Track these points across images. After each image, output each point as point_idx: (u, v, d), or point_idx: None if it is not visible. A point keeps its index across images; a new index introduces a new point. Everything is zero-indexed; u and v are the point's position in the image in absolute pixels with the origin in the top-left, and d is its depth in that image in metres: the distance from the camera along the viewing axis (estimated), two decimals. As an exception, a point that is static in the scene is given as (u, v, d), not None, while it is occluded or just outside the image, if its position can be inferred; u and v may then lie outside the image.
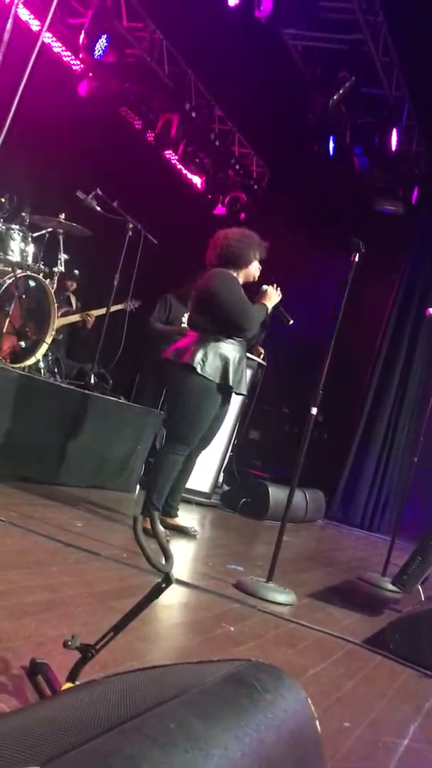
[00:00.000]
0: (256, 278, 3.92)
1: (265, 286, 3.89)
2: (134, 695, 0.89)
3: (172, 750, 0.72)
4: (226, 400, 3.93)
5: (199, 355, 3.74)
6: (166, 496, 3.92)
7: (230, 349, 3.81)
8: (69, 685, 1.44)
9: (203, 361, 3.73)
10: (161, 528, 3.72)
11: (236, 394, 3.95)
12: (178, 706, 0.82)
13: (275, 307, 3.91)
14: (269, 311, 3.89)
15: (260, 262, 3.92)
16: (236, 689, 0.92)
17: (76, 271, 5.33)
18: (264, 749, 0.86)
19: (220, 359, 3.78)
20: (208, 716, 0.82)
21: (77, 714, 0.81)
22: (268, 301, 3.87)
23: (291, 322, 3.93)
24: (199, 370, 3.72)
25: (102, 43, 6.15)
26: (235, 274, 3.84)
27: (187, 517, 4.18)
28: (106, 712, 0.82)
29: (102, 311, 6.14)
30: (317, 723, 1.02)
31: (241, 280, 3.86)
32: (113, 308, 5.85)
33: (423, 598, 3.63)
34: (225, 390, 3.83)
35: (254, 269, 3.90)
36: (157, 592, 1.35)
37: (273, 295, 3.89)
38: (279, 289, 3.93)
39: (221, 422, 4.04)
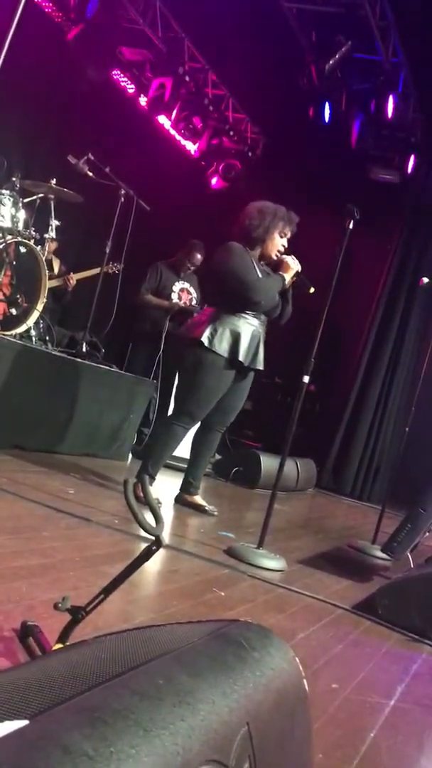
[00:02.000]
0: (280, 253, 3.85)
1: (283, 257, 3.85)
2: (123, 653, 0.89)
3: (160, 704, 0.72)
4: (241, 376, 3.92)
5: (209, 330, 3.75)
6: (162, 465, 3.94)
7: (243, 323, 3.80)
8: (59, 646, 1.45)
9: (212, 336, 3.74)
10: (153, 493, 3.74)
11: (252, 369, 3.92)
12: (166, 663, 0.83)
13: (296, 276, 3.86)
14: (287, 282, 3.84)
15: (287, 236, 3.85)
16: (224, 647, 0.93)
17: (54, 232, 5.24)
18: (251, 705, 0.86)
19: (231, 334, 3.76)
20: (196, 673, 0.82)
21: (66, 671, 0.82)
22: (287, 272, 3.83)
23: (312, 290, 3.88)
24: (207, 344, 3.73)
25: (93, 3, 6.03)
26: (249, 249, 3.80)
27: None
28: (95, 668, 0.82)
29: (84, 274, 6.11)
30: (304, 681, 1.03)
31: (257, 255, 3.83)
32: (93, 272, 5.82)
33: (412, 565, 3.68)
34: (237, 365, 3.81)
35: (273, 246, 3.83)
36: (147, 554, 1.36)
37: (292, 265, 3.84)
38: (295, 258, 3.87)
39: (241, 397, 4.04)
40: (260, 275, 3.79)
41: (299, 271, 3.87)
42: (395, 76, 6.96)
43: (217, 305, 3.85)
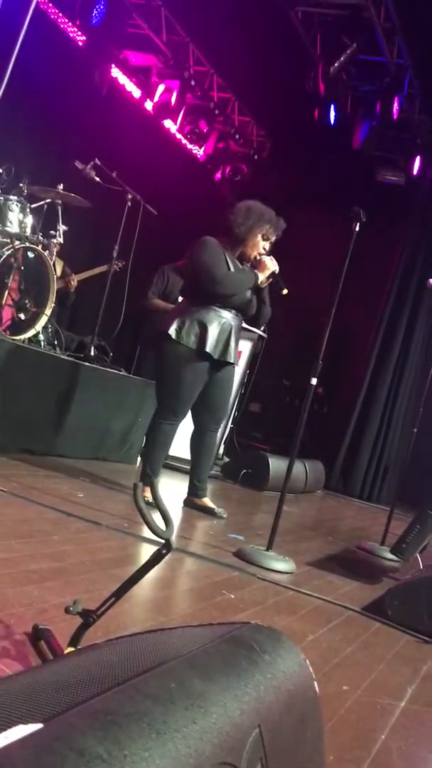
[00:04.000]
0: (259, 256, 3.85)
1: (262, 256, 3.86)
2: (135, 656, 0.90)
3: (172, 707, 0.73)
4: (217, 369, 3.89)
5: (176, 323, 3.76)
6: (161, 465, 3.95)
7: (212, 316, 3.78)
8: (71, 649, 1.46)
9: (180, 328, 3.74)
10: (161, 496, 3.75)
11: (223, 362, 3.87)
12: (178, 666, 0.84)
13: (271, 276, 3.87)
14: (261, 280, 3.84)
15: (270, 239, 3.85)
16: (235, 650, 0.93)
17: (61, 237, 5.27)
18: (262, 708, 0.87)
19: (198, 326, 3.75)
20: (208, 676, 0.83)
21: (78, 674, 0.83)
22: (263, 271, 3.83)
23: (285, 291, 3.89)
24: (174, 336, 3.74)
25: (99, 9, 6.06)
26: (229, 244, 3.81)
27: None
28: (107, 672, 0.83)
29: (85, 275, 6.14)
30: (315, 683, 1.04)
31: (237, 252, 3.83)
32: (94, 272, 5.84)
33: (421, 567, 3.67)
34: (208, 357, 3.78)
35: (254, 246, 3.83)
36: (157, 557, 1.37)
37: (268, 265, 3.84)
38: (274, 259, 3.88)
39: (223, 392, 3.99)
40: (233, 270, 3.78)
41: (275, 271, 3.87)
42: (400, 78, 6.95)
43: (188, 297, 3.88)
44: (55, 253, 5.89)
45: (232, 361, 3.90)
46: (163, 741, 0.68)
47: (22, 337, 4.57)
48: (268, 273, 3.85)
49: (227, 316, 3.82)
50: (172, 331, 3.74)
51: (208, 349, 3.75)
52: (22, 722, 0.67)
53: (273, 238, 3.87)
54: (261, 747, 0.82)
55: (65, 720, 0.68)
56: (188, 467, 4.19)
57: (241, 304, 3.87)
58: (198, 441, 4.06)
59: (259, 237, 3.82)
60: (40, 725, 0.66)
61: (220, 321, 3.79)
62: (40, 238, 4.82)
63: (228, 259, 3.79)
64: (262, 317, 4.04)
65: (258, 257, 3.85)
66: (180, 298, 4.21)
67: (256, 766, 0.80)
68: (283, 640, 1.04)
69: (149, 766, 0.65)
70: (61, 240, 5.26)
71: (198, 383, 3.84)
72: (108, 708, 0.70)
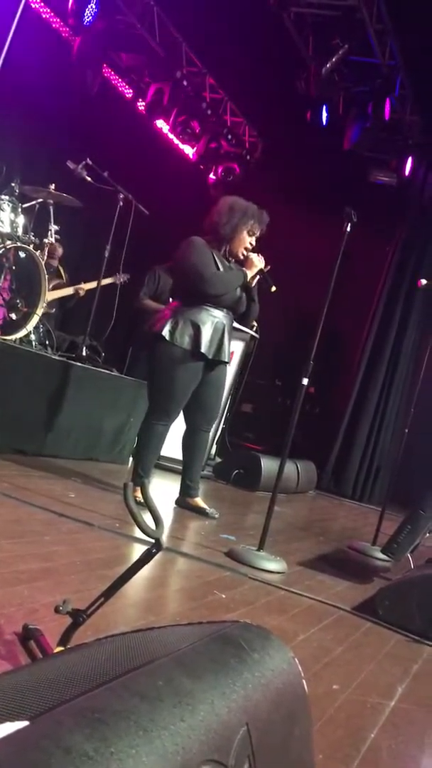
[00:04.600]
0: (245, 252, 3.85)
1: (249, 254, 3.86)
2: (124, 655, 0.90)
3: (160, 705, 0.73)
4: (210, 369, 3.90)
5: (169, 324, 3.75)
6: (152, 465, 3.94)
7: (205, 315, 3.79)
8: (60, 649, 1.46)
9: (173, 329, 3.74)
10: (152, 496, 3.74)
11: (217, 362, 3.88)
12: (166, 664, 0.84)
13: (259, 274, 3.88)
14: (248, 278, 3.85)
15: (255, 234, 3.86)
16: (224, 648, 0.93)
17: (53, 237, 5.28)
18: (251, 706, 0.87)
19: (192, 326, 3.75)
20: (196, 674, 0.83)
21: (67, 672, 0.83)
22: (250, 268, 3.84)
23: (274, 289, 3.90)
24: (167, 337, 3.73)
25: (91, 8, 6.05)
26: (215, 243, 3.82)
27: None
28: (96, 670, 0.83)
29: (93, 284, 6.12)
30: (304, 682, 1.04)
31: (224, 250, 3.84)
32: (103, 282, 5.83)
33: (412, 566, 3.68)
34: (203, 358, 3.79)
35: (240, 243, 3.84)
36: (147, 557, 1.37)
37: (256, 262, 3.85)
38: (261, 256, 3.88)
39: (217, 392, 3.99)
40: (221, 269, 3.80)
41: (263, 269, 3.88)
42: (392, 79, 6.98)
43: (180, 299, 3.88)
44: (58, 257, 5.90)
45: (225, 360, 3.91)
46: (150, 738, 0.68)
47: (13, 337, 4.57)
48: (255, 270, 3.86)
49: (219, 315, 3.83)
50: (165, 332, 3.73)
51: (202, 349, 3.76)
52: (9, 720, 0.67)
53: (258, 233, 3.88)
54: (249, 744, 0.82)
55: (52, 717, 0.68)
56: (180, 467, 4.18)
57: (232, 303, 3.88)
58: (190, 441, 4.06)
59: (245, 233, 3.83)
60: (26, 723, 0.66)
61: (213, 321, 3.80)
62: (32, 237, 4.82)
63: (216, 259, 3.81)
64: (252, 314, 4.05)
65: (245, 254, 3.86)
66: (170, 299, 4.24)
67: (243, 763, 0.80)
68: (272, 639, 1.04)
69: (136, 763, 0.65)
70: (53, 240, 5.26)
71: (192, 384, 3.84)
72: (95, 706, 0.70)
